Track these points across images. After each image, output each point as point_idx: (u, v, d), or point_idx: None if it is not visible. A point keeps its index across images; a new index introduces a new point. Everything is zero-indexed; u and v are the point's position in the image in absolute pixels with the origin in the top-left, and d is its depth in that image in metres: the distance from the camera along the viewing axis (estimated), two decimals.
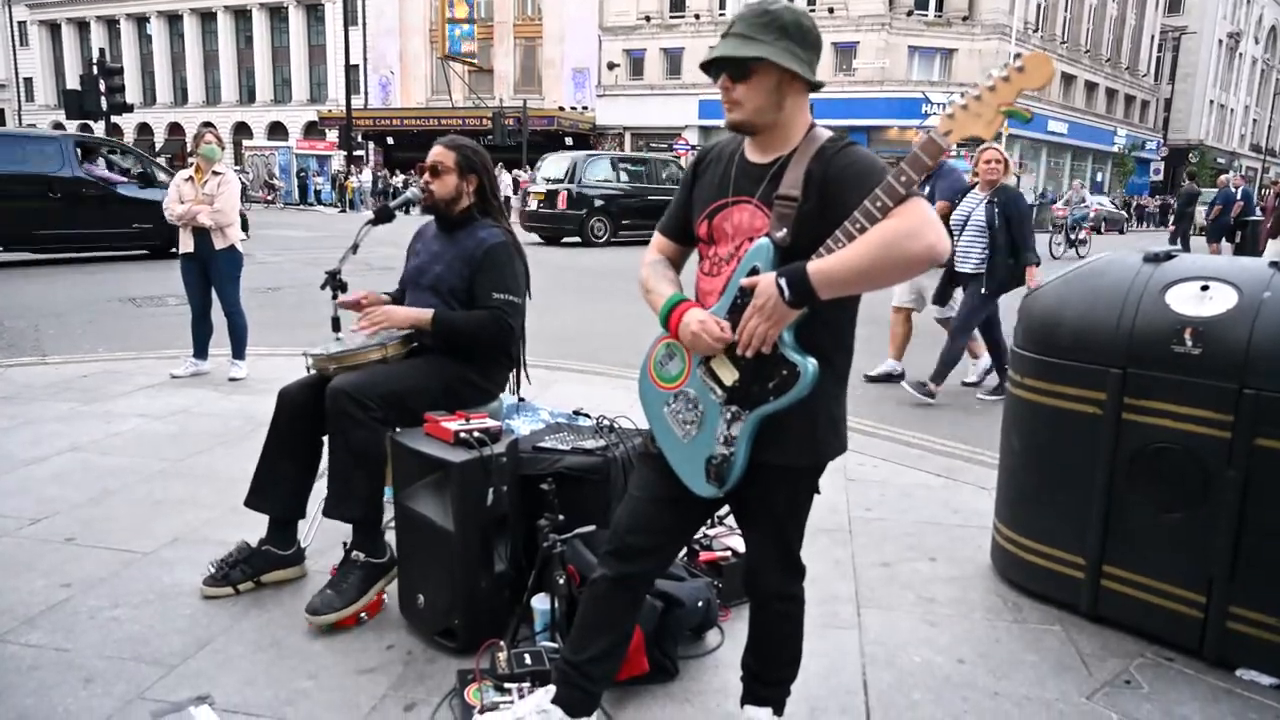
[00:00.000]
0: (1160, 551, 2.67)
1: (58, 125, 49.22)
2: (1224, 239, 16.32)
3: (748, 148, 1.87)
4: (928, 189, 6.08)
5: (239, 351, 5.95)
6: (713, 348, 1.78)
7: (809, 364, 1.71)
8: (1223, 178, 18.87)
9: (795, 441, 1.82)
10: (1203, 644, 2.60)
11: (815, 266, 1.66)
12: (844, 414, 1.93)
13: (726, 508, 2.23)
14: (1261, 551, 2.48)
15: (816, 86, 1.80)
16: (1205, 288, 2.61)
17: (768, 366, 1.75)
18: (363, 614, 2.72)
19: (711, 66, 1.80)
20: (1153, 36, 49.73)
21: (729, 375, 1.80)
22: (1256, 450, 2.45)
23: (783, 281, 1.67)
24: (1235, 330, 2.50)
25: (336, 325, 3.29)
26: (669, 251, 2.05)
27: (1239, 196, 16.67)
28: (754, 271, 1.75)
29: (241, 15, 47.62)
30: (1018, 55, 1.63)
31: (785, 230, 1.73)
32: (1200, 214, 19.62)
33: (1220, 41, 53.05)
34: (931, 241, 1.62)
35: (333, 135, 39.49)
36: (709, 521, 3.09)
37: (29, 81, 54.10)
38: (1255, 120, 62.44)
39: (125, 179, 13.01)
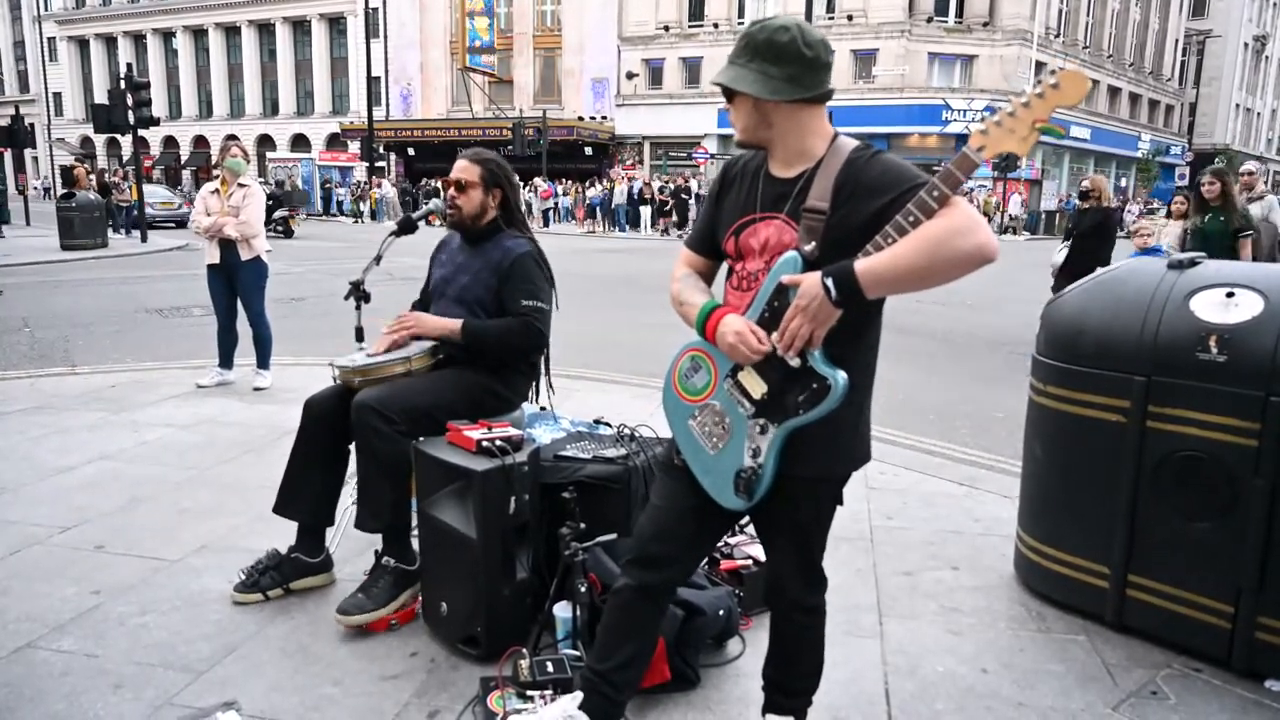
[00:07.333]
0: (1186, 561, 2.64)
1: (86, 139, 50.19)
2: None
3: (771, 164, 1.86)
4: None
5: (264, 361, 6.03)
6: (749, 358, 1.76)
7: (839, 376, 1.70)
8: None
9: (818, 452, 1.81)
10: (1231, 654, 2.57)
11: (863, 265, 1.63)
12: (868, 423, 1.92)
13: (747, 516, 2.25)
14: None
15: (823, 98, 1.77)
16: (1231, 294, 2.59)
17: (798, 380, 1.73)
18: (394, 620, 2.74)
19: None
20: (1177, 40, 49.16)
21: (758, 388, 1.79)
22: None
23: (829, 281, 1.64)
24: (1262, 337, 2.48)
25: (360, 335, 3.33)
26: (698, 266, 2.03)
27: None
28: (781, 285, 1.74)
29: (265, 29, 48.22)
30: (1053, 71, 1.61)
31: (814, 244, 1.73)
32: None
33: (1246, 45, 52.37)
34: (982, 240, 1.60)
35: (355, 147, 39.89)
36: (730, 530, 3.09)
37: (58, 96, 55.05)
38: None
39: None
